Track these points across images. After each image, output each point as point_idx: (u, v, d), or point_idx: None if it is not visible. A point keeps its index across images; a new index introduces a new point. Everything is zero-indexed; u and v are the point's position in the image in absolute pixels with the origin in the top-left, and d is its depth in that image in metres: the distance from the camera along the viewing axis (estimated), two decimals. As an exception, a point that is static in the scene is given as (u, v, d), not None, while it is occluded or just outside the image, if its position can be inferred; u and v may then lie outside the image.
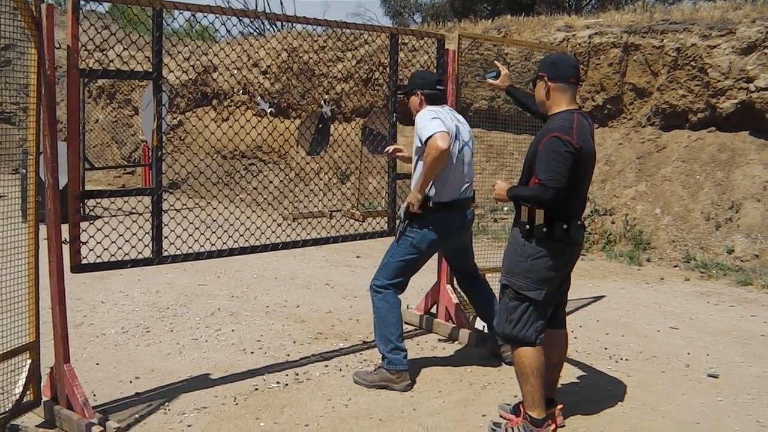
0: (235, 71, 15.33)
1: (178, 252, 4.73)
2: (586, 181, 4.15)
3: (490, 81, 5.21)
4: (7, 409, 4.17)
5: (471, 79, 12.72)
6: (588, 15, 17.21)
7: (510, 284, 4.14)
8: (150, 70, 4.53)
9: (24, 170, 10.66)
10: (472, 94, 12.96)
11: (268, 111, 13.14)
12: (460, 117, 5.28)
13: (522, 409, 4.25)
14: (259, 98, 14.03)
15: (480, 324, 6.16)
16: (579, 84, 4.31)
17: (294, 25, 6.37)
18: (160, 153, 4.53)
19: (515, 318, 4.12)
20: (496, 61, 5.87)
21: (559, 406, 4.44)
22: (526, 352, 4.13)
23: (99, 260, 4.38)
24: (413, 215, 5.05)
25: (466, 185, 5.19)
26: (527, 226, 4.05)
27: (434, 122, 4.85)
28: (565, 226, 4.04)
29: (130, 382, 5.05)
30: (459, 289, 6.21)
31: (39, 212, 4.20)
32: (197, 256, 4.80)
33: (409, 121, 6.12)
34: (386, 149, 5.67)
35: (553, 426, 4.31)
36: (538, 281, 4.07)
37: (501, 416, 4.51)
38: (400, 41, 6.13)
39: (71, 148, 4.22)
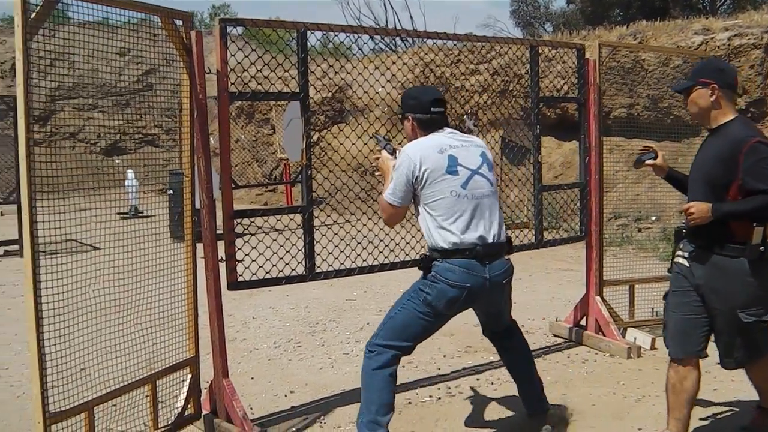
0: (369, 88, 15.48)
1: (331, 268, 4.78)
2: None
3: (650, 163, 4.48)
4: (170, 422, 4.33)
5: (609, 87, 12.45)
6: (724, 16, 16.62)
7: (757, 317, 3.74)
8: (296, 90, 4.64)
9: (171, 191, 11.05)
10: (610, 101, 12.64)
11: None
12: (464, 138, 4.06)
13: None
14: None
15: (631, 337, 5.99)
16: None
17: (425, 39, 6.34)
18: (309, 171, 4.62)
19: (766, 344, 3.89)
20: (647, 144, 5.16)
21: None
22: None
23: (254, 278, 4.46)
24: (428, 268, 3.91)
25: (493, 225, 3.94)
26: (762, 249, 3.64)
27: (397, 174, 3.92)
28: None
29: (285, 396, 5.15)
30: (608, 301, 6.07)
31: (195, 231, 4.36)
32: (349, 272, 4.81)
33: (547, 132, 6.02)
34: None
35: None
36: None
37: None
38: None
39: (223, 168, 4.35)
